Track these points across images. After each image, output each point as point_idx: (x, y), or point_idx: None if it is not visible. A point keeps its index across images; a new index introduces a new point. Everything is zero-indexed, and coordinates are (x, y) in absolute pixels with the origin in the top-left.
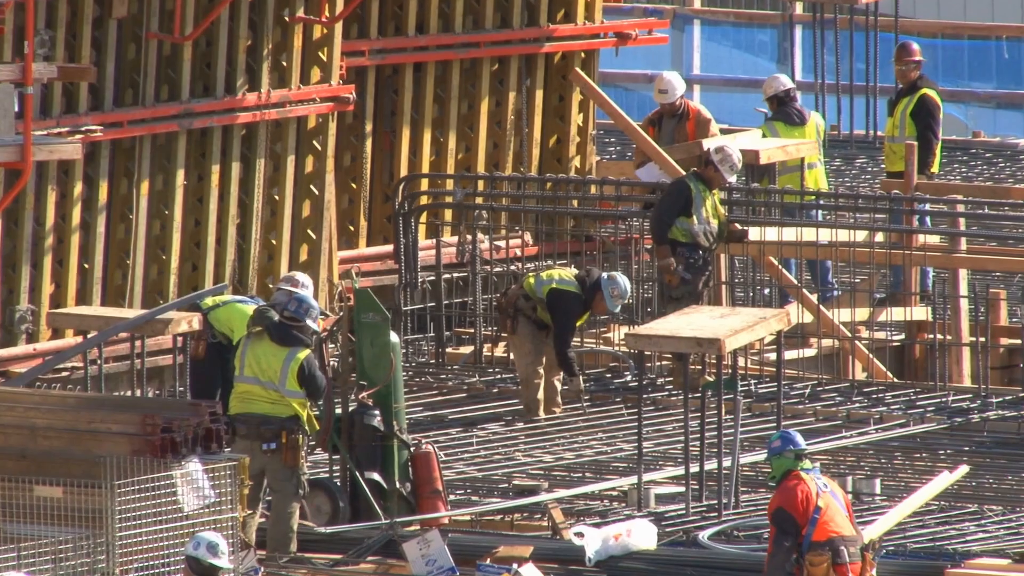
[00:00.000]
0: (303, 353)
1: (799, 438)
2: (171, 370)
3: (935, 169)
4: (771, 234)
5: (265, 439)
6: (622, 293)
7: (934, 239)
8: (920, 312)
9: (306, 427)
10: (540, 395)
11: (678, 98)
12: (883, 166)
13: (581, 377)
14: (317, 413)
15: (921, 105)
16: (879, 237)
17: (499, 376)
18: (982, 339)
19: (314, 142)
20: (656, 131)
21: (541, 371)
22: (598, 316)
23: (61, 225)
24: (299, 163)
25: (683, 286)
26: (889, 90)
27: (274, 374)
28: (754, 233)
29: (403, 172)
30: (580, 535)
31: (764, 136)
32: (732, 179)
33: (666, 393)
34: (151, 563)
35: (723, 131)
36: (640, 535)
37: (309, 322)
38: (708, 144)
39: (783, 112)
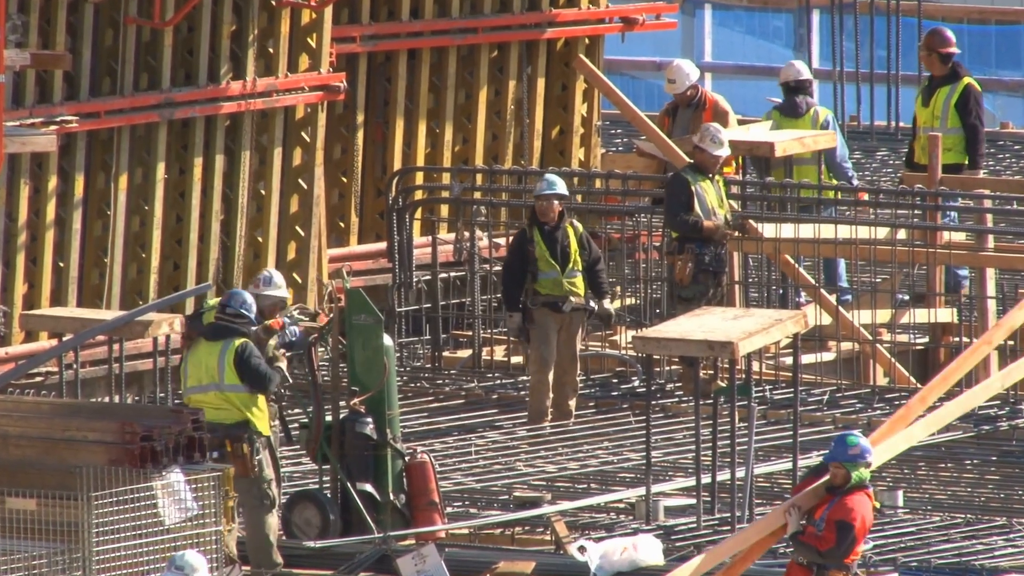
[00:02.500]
0: (239, 341)
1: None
2: (151, 375)
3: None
4: (787, 231)
5: (211, 447)
6: (539, 183)
7: (960, 236)
8: (945, 314)
9: (259, 429)
10: (547, 404)
11: (689, 87)
12: (905, 159)
13: (519, 317)
14: (306, 420)
15: (967, 95)
16: (901, 234)
17: (499, 381)
18: (1011, 342)
19: (302, 133)
20: (671, 122)
21: (549, 380)
22: (548, 219)
23: (35, 221)
24: (286, 156)
25: (694, 286)
26: (912, 79)
27: (213, 372)
28: (769, 230)
29: (397, 165)
30: (583, 550)
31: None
32: (720, 152)
33: (676, 399)
34: None
35: (738, 121)
36: (647, 550)
37: (245, 311)
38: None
39: (785, 102)
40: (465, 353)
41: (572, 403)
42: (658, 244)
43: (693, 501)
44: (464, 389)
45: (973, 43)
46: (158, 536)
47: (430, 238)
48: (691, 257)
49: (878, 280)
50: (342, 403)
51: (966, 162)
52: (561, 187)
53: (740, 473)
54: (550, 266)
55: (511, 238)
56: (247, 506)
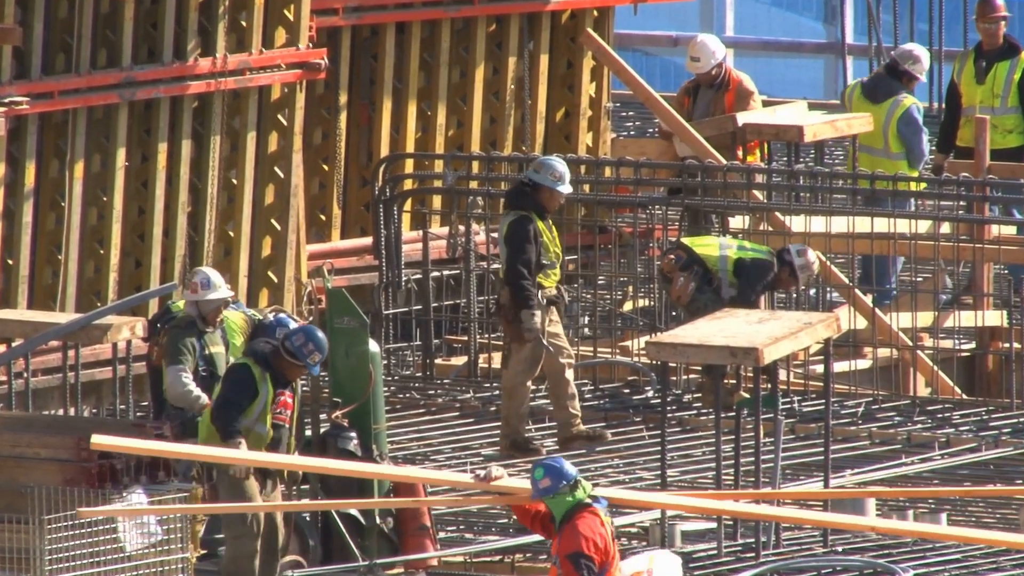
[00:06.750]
0: (238, 361)
1: (566, 464)
2: (110, 385)
3: None
4: (817, 224)
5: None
6: (554, 177)
7: (1010, 230)
8: (993, 317)
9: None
10: (524, 410)
11: (714, 66)
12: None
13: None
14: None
15: None
16: (945, 228)
17: (497, 391)
18: None
19: (279, 116)
20: (691, 103)
21: (529, 385)
22: (554, 209)
23: None
24: (261, 141)
25: (700, 297)
26: (955, 55)
27: None
28: (798, 223)
29: (384, 151)
30: None
31: (847, 101)
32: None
33: (694, 412)
34: None
35: (764, 103)
36: (663, 572)
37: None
38: (792, 248)
39: (870, 81)
40: (460, 360)
41: (574, 411)
42: (673, 240)
43: (713, 525)
44: (459, 400)
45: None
46: (118, 564)
47: (421, 232)
48: (693, 277)
49: (919, 279)
50: (323, 416)
51: None
52: None
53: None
54: (557, 256)
55: (510, 228)
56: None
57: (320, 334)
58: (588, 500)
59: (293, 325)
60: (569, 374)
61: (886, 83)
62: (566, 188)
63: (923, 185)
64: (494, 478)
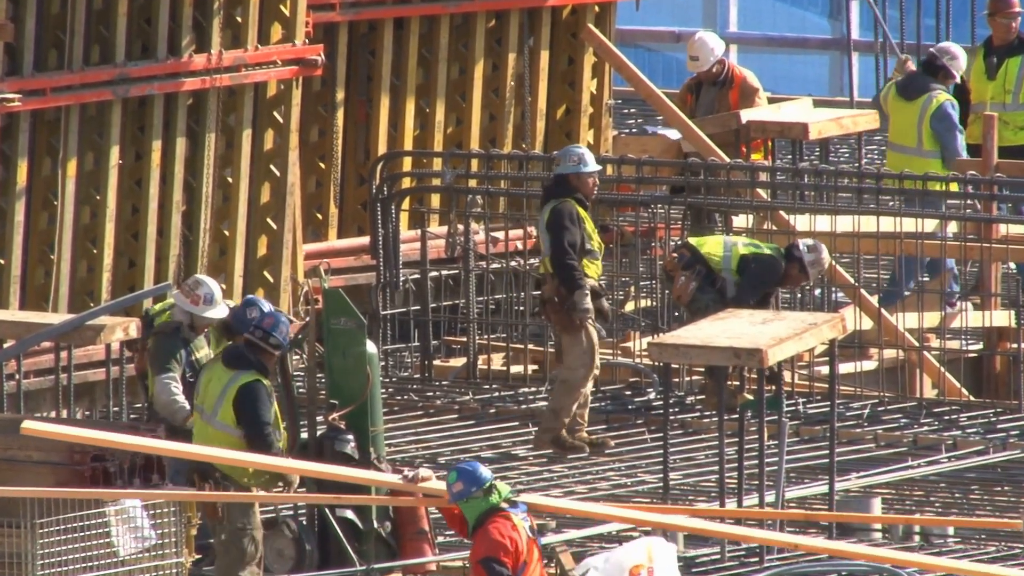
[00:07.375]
0: (247, 378)
1: (481, 469)
2: (103, 386)
3: None
4: (822, 223)
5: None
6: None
7: (1018, 229)
8: (1001, 317)
9: (233, 478)
10: (578, 408)
11: (714, 64)
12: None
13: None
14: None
15: None
16: (952, 227)
17: (497, 394)
18: None
19: (275, 113)
20: (694, 100)
21: (591, 384)
22: (592, 193)
23: None
24: (257, 138)
25: (701, 297)
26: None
27: (211, 402)
28: (802, 222)
29: (381, 149)
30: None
31: (882, 102)
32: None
33: (697, 414)
34: None
35: (769, 100)
36: (662, 563)
37: (282, 339)
38: (802, 244)
39: (904, 79)
40: (459, 362)
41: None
42: (677, 239)
43: None
44: (458, 402)
45: None
46: (112, 569)
47: (419, 231)
48: (695, 277)
49: (925, 278)
50: (319, 418)
51: None
52: None
53: (769, 498)
54: (599, 247)
55: (552, 212)
56: (217, 553)
57: (282, 316)
58: (503, 505)
59: (266, 307)
60: (587, 385)
61: (920, 80)
62: (591, 167)
63: (955, 185)
64: (422, 479)
